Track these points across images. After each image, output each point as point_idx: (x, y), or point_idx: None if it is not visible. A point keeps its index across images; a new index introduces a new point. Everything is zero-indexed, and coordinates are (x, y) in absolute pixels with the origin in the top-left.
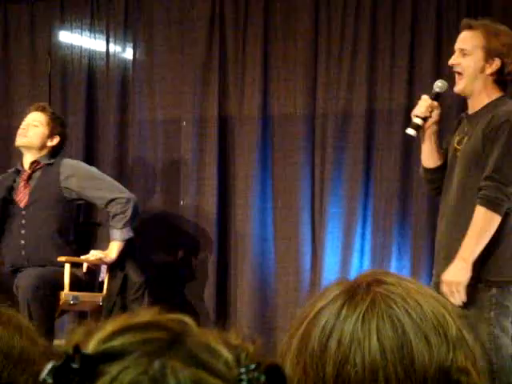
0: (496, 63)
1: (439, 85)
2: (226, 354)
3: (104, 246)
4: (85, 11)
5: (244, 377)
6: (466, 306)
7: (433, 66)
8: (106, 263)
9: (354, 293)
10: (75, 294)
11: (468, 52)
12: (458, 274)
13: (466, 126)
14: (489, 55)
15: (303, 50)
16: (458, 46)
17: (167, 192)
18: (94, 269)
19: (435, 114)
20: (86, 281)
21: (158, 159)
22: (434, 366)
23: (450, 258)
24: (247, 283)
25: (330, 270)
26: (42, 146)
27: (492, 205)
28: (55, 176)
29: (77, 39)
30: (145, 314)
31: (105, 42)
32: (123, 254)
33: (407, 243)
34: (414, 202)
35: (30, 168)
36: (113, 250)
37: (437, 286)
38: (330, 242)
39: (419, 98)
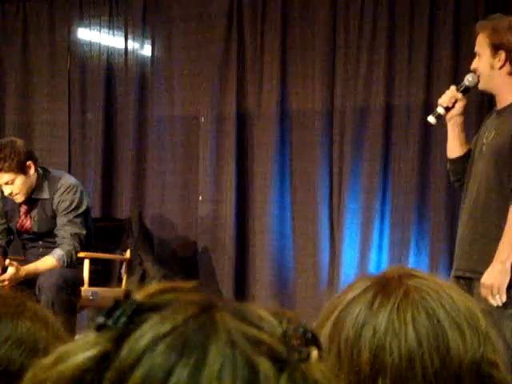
0: (501, 56)
1: (469, 79)
2: (268, 316)
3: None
4: (103, 8)
5: (290, 332)
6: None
7: (451, 61)
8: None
9: (386, 284)
10: (95, 289)
11: (480, 54)
12: (498, 277)
13: (494, 120)
14: (494, 50)
15: (321, 46)
16: (475, 49)
17: (185, 187)
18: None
19: (459, 106)
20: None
21: (177, 155)
22: (468, 358)
23: (472, 253)
24: (265, 278)
25: (348, 265)
26: (32, 184)
27: None
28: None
29: (96, 36)
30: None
31: (123, 39)
32: (142, 250)
33: (425, 238)
34: (432, 197)
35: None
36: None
37: (456, 280)
38: (348, 238)
39: (437, 93)
